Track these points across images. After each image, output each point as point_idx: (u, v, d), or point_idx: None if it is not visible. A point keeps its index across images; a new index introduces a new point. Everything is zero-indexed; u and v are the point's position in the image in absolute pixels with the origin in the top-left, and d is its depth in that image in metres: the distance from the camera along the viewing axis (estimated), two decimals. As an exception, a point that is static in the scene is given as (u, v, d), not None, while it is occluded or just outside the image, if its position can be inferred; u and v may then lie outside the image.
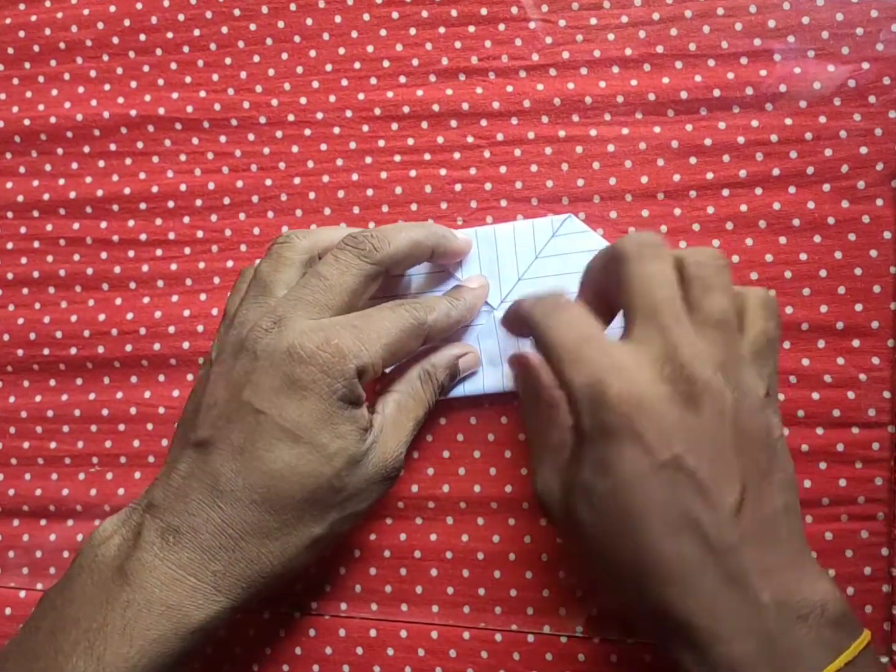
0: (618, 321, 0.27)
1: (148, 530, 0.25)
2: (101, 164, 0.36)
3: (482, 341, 0.32)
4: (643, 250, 0.25)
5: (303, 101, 0.35)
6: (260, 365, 0.26)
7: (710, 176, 0.32)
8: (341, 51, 0.35)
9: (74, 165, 0.36)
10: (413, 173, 0.34)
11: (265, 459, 0.25)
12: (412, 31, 0.34)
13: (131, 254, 0.35)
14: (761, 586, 0.22)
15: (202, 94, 0.35)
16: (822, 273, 0.31)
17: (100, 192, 0.36)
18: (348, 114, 0.34)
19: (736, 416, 0.23)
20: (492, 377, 0.32)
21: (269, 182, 0.35)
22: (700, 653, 0.22)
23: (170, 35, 0.36)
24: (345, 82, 0.35)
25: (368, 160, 0.34)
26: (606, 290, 0.27)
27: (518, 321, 0.27)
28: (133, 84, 0.36)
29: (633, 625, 0.31)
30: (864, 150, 0.31)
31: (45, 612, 0.26)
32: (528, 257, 0.32)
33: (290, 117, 0.35)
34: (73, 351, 0.36)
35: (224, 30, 0.35)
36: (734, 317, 0.25)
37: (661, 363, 0.23)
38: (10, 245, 0.36)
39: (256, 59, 0.35)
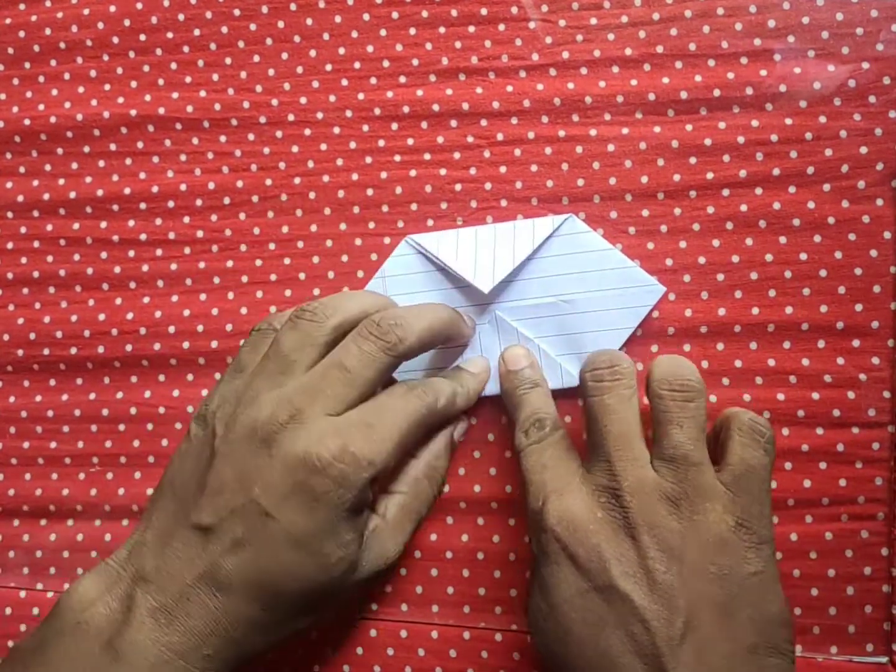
0: None
1: (139, 607, 0.24)
2: (102, 164, 0.36)
3: (483, 341, 0.32)
4: (599, 382, 0.26)
5: (303, 100, 0.35)
6: (273, 464, 0.25)
7: (710, 176, 0.32)
8: (341, 51, 0.35)
9: (74, 165, 0.36)
10: (413, 173, 0.34)
11: (267, 562, 0.25)
12: (412, 30, 0.34)
13: (131, 254, 0.35)
14: None
15: (202, 93, 0.35)
16: (822, 273, 0.31)
17: (100, 192, 0.36)
18: (348, 114, 0.34)
19: (683, 549, 0.23)
20: (491, 381, 0.32)
21: (269, 182, 0.35)
22: None
23: (170, 35, 0.36)
24: (345, 82, 0.35)
25: (368, 160, 0.34)
26: None
27: (508, 410, 0.30)
28: (133, 84, 0.36)
29: None
30: (864, 150, 0.31)
31: (18, 667, 0.25)
32: (529, 257, 0.32)
33: (290, 117, 0.35)
34: (73, 351, 0.36)
35: (224, 30, 0.35)
36: (695, 451, 0.25)
37: (600, 491, 0.25)
38: (10, 245, 0.36)
39: (256, 58, 0.35)
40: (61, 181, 0.36)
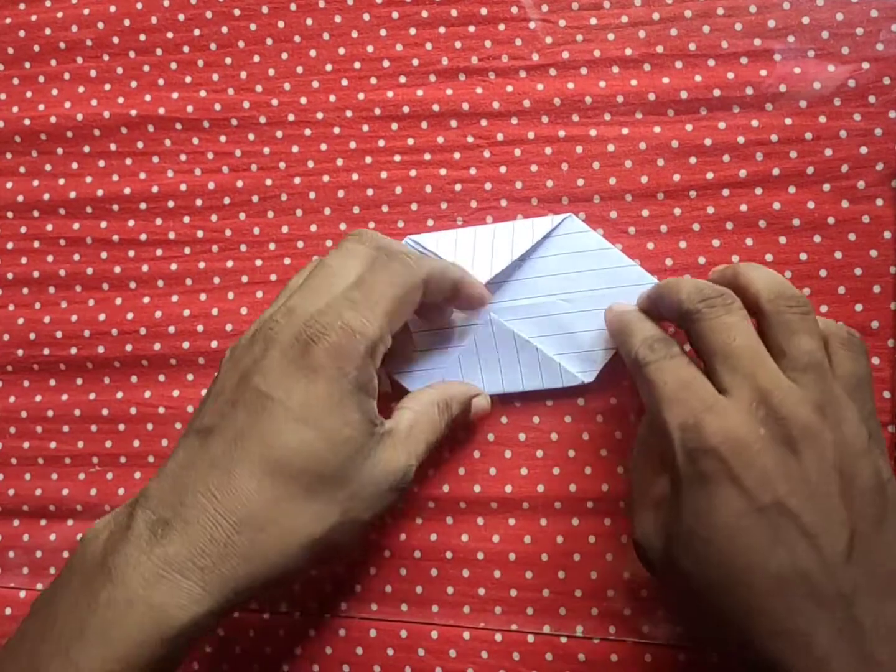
0: None
1: (137, 522, 0.24)
2: (102, 163, 0.36)
3: (480, 344, 0.32)
4: (711, 308, 0.25)
5: (303, 100, 0.35)
6: (269, 353, 0.25)
7: (710, 176, 0.32)
8: (341, 51, 0.35)
9: (74, 165, 0.36)
10: (413, 173, 0.34)
11: (268, 444, 0.24)
12: (412, 31, 0.34)
13: (131, 254, 0.35)
14: (878, 643, 0.21)
15: (202, 93, 0.35)
16: (822, 273, 0.31)
17: (100, 192, 0.36)
18: (348, 114, 0.34)
19: (840, 460, 0.22)
20: (491, 380, 0.32)
21: (269, 182, 0.35)
22: None
23: (170, 35, 0.36)
24: (345, 82, 0.35)
25: (368, 160, 0.34)
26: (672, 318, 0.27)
27: (621, 344, 0.28)
28: (133, 84, 0.36)
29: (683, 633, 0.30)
30: (864, 150, 0.31)
31: (32, 617, 0.24)
32: (528, 256, 0.32)
33: (290, 117, 0.35)
34: (73, 351, 0.36)
35: (224, 30, 0.35)
36: (824, 358, 0.24)
37: (755, 406, 0.23)
38: (10, 245, 0.36)
39: (256, 59, 0.35)
40: (61, 181, 0.36)
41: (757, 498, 0.22)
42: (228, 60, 0.35)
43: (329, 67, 0.35)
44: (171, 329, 0.35)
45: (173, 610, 0.22)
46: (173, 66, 0.36)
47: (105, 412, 0.35)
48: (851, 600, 0.21)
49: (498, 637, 0.32)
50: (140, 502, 0.24)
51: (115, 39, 0.36)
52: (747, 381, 0.24)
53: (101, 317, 0.35)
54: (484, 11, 0.34)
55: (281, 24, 0.35)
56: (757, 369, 0.24)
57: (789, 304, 0.25)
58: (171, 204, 0.35)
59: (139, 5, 0.36)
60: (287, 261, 0.34)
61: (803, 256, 0.31)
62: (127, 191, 0.36)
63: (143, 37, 0.36)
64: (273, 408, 0.24)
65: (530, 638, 0.31)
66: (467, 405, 0.31)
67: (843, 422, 0.23)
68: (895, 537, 0.22)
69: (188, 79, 0.36)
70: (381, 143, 0.34)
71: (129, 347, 0.35)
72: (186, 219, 0.35)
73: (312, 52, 0.35)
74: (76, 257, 0.36)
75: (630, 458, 0.29)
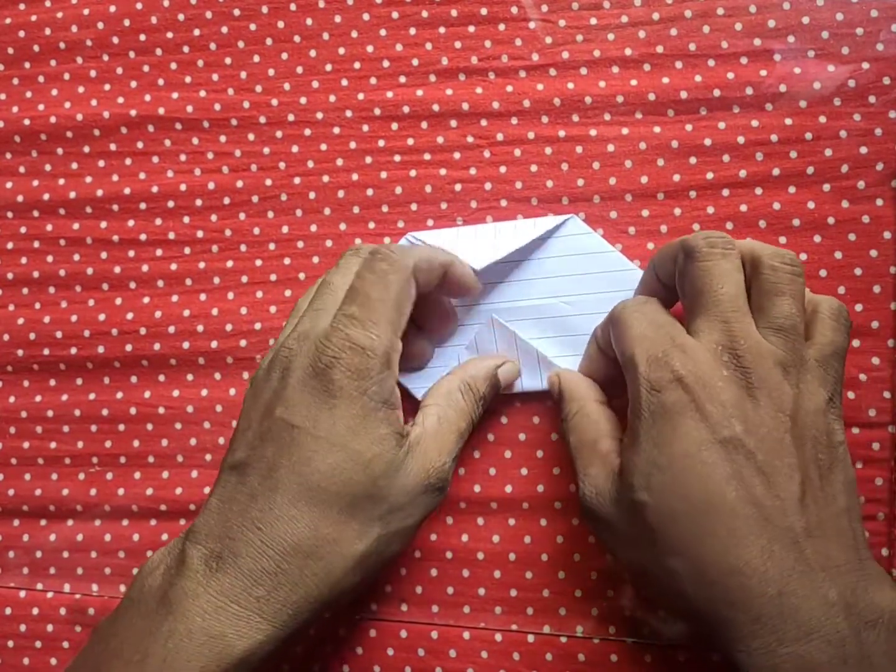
0: None
1: (191, 558, 0.25)
2: (101, 164, 0.36)
3: (480, 343, 0.32)
4: (712, 248, 0.26)
5: (303, 100, 0.35)
6: (288, 381, 0.25)
7: (710, 176, 0.32)
8: (341, 51, 0.35)
9: (74, 165, 0.36)
10: (413, 173, 0.34)
11: (301, 473, 0.25)
12: (412, 30, 0.34)
13: (131, 254, 0.35)
14: (828, 583, 0.22)
15: (202, 93, 0.35)
16: (822, 273, 0.31)
17: (100, 192, 0.36)
18: (348, 114, 0.34)
19: (795, 412, 0.24)
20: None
21: (269, 182, 0.35)
22: (764, 655, 0.21)
23: (170, 35, 0.36)
24: (345, 82, 0.35)
25: (368, 160, 0.34)
26: (670, 283, 0.28)
27: (606, 323, 0.29)
28: (133, 84, 0.36)
29: (684, 632, 0.30)
30: (864, 150, 0.31)
31: (93, 646, 0.25)
32: (529, 257, 0.32)
33: (290, 117, 0.35)
34: (73, 351, 0.36)
35: (224, 30, 0.35)
36: (801, 324, 0.25)
37: (721, 351, 0.24)
38: (10, 245, 0.36)
39: (256, 59, 0.35)
40: (61, 181, 0.36)
41: (718, 430, 0.23)
42: (228, 60, 0.35)
43: (329, 67, 0.35)
44: (171, 329, 0.35)
45: (233, 639, 0.23)
46: (173, 66, 0.36)
47: (105, 412, 0.35)
48: (802, 541, 0.22)
49: (498, 637, 0.32)
50: (190, 538, 0.25)
51: (115, 39, 0.36)
52: (720, 326, 0.25)
53: (101, 317, 0.35)
54: (484, 11, 0.34)
55: (281, 24, 0.35)
56: (732, 318, 0.25)
57: (784, 261, 0.25)
58: (171, 204, 0.35)
59: (139, 5, 0.36)
60: (287, 261, 0.34)
61: (803, 256, 0.31)
62: (127, 191, 0.36)
63: (142, 37, 0.36)
64: (300, 437, 0.25)
65: (530, 638, 0.31)
66: (494, 379, 0.30)
67: (802, 381, 0.24)
68: (841, 490, 0.24)
69: (188, 79, 0.36)
70: (381, 143, 0.34)
71: (129, 347, 0.35)
72: (186, 219, 0.35)
73: (312, 52, 0.35)
74: (76, 257, 0.36)
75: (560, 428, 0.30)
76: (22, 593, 0.35)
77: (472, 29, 0.34)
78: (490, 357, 0.31)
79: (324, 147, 0.34)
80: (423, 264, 0.27)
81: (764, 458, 0.23)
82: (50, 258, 0.36)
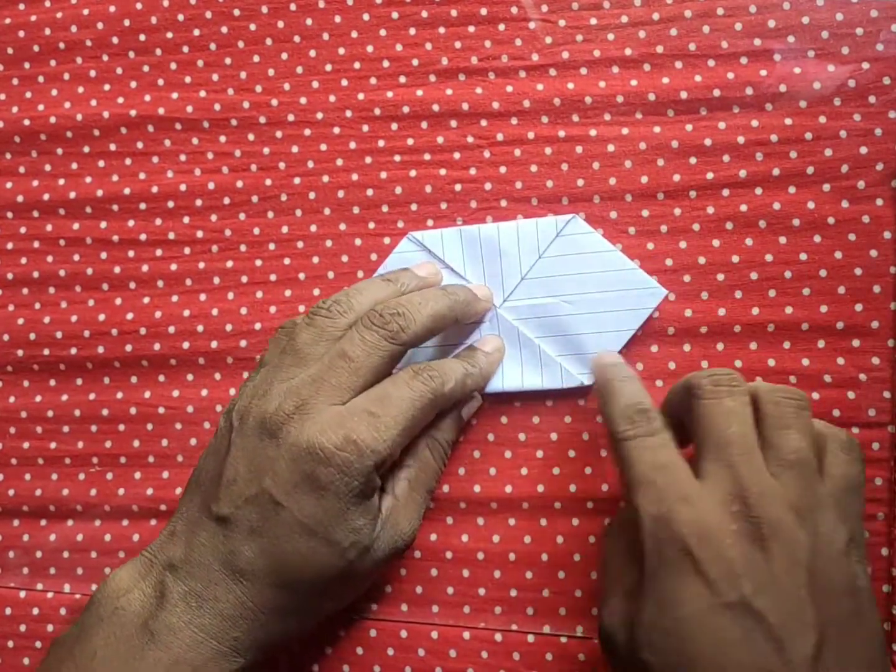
0: None
1: (171, 592, 0.26)
2: (101, 164, 0.36)
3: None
4: (718, 386, 0.25)
5: (303, 101, 0.35)
6: (281, 455, 0.26)
7: (710, 176, 0.32)
8: (341, 51, 0.35)
9: (74, 165, 0.36)
10: (413, 173, 0.34)
11: (282, 549, 0.26)
12: (412, 31, 0.34)
13: (131, 254, 0.35)
14: None
15: (202, 94, 0.35)
16: (822, 273, 0.31)
17: (100, 192, 0.36)
18: (348, 114, 0.34)
19: (812, 561, 0.22)
20: (492, 379, 0.32)
21: (269, 182, 0.35)
22: None
23: (170, 35, 0.36)
24: (345, 82, 0.34)
25: (368, 160, 0.34)
26: (682, 421, 0.27)
27: (601, 404, 0.27)
28: (133, 84, 0.36)
29: None
30: (864, 150, 0.31)
31: (61, 662, 0.26)
32: (532, 257, 0.32)
33: (290, 117, 0.35)
34: (73, 351, 0.36)
35: (224, 30, 0.35)
36: (812, 458, 0.24)
37: (730, 500, 0.23)
38: (10, 245, 0.36)
39: (256, 59, 0.35)
40: (61, 181, 0.36)
41: (723, 593, 0.22)
42: (228, 60, 0.35)
43: (329, 67, 0.35)
44: (171, 329, 0.35)
45: (213, 670, 0.25)
46: (173, 66, 0.36)
47: (105, 412, 0.35)
48: None
49: (498, 637, 0.32)
50: (169, 571, 0.26)
51: (115, 39, 0.36)
52: (729, 471, 0.23)
53: (101, 317, 0.35)
54: (484, 11, 0.34)
55: (281, 24, 0.35)
56: (741, 462, 0.23)
57: (786, 395, 0.25)
58: (170, 204, 0.35)
59: (139, 5, 0.36)
60: (287, 261, 0.34)
61: (803, 256, 0.31)
62: (127, 191, 0.36)
63: (142, 37, 0.36)
64: (285, 516, 0.26)
65: (530, 638, 0.31)
66: (460, 423, 0.31)
67: (820, 524, 0.23)
68: (866, 643, 0.22)
69: (188, 79, 0.36)
70: (381, 143, 0.34)
71: (129, 347, 0.35)
72: (186, 219, 0.35)
73: (312, 52, 0.35)
74: (76, 257, 0.36)
75: (602, 541, 0.28)
76: (22, 593, 0.35)
77: (472, 29, 0.34)
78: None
79: (324, 147, 0.34)
80: (457, 392, 0.29)
81: (776, 619, 0.21)
82: (50, 258, 0.36)
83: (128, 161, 0.36)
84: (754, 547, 0.22)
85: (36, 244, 0.36)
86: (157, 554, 0.27)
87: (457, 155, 0.34)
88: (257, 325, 0.34)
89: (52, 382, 0.36)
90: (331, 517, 0.25)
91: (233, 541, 0.26)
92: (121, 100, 0.36)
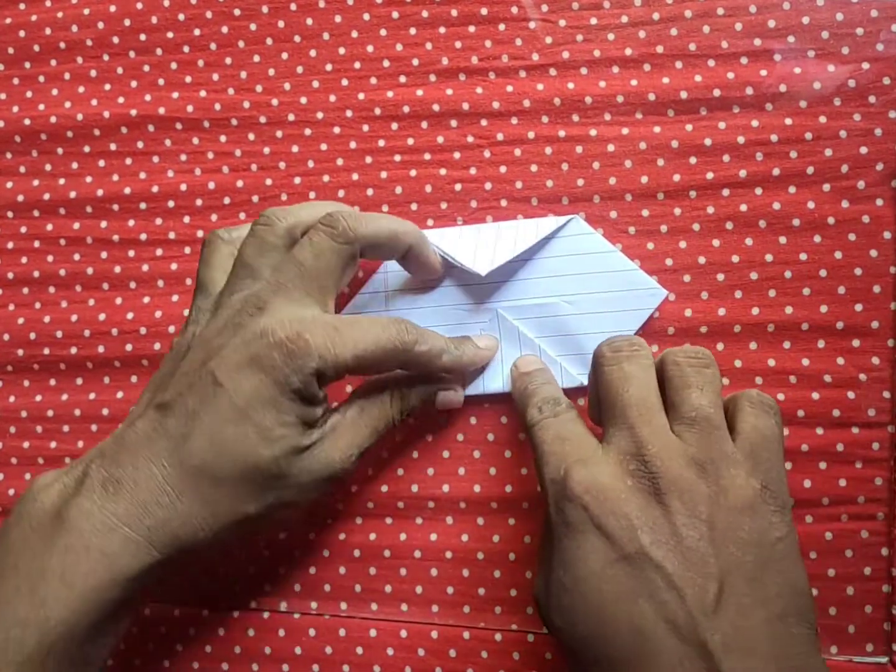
0: None
1: (91, 479, 0.25)
2: (102, 163, 0.36)
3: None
4: (618, 353, 0.26)
5: (303, 100, 0.35)
6: (233, 342, 0.26)
7: (710, 176, 0.32)
8: (341, 51, 0.35)
9: (74, 165, 0.36)
10: (413, 173, 0.34)
11: (212, 430, 0.26)
12: (412, 30, 0.34)
13: (131, 254, 0.35)
14: None
15: (202, 93, 0.35)
16: (822, 273, 0.31)
17: (100, 192, 0.36)
18: (348, 114, 0.34)
19: (713, 513, 0.22)
20: (492, 378, 0.32)
21: (269, 182, 0.35)
22: None
23: (170, 35, 0.36)
24: (345, 82, 0.35)
25: (368, 160, 0.34)
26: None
27: (520, 409, 0.29)
28: (133, 84, 0.36)
29: None
30: (864, 150, 0.31)
31: None
32: (532, 256, 0.32)
33: (291, 117, 0.35)
34: (73, 351, 0.36)
35: (224, 30, 0.35)
36: (715, 414, 0.24)
37: (628, 459, 0.24)
38: (10, 245, 0.36)
39: (256, 58, 0.35)
40: (61, 181, 0.36)
41: (622, 546, 0.22)
42: (228, 60, 0.35)
43: (329, 67, 0.35)
44: (171, 329, 0.35)
45: (125, 559, 0.25)
46: (173, 65, 0.36)
47: (105, 412, 0.35)
48: (718, 655, 0.21)
49: (498, 637, 0.32)
50: (95, 459, 0.26)
51: (115, 39, 0.36)
52: (629, 433, 0.24)
53: (101, 317, 0.35)
54: (484, 11, 0.34)
55: (281, 23, 0.35)
56: (640, 422, 0.24)
57: (687, 355, 0.25)
58: (171, 204, 0.35)
59: (139, 5, 0.36)
60: (287, 261, 0.34)
61: (803, 256, 0.31)
62: (127, 191, 0.36)
63: (143, 37, 0.36)
64: (221, 396, 0.26)
65: (530, 638, 0.31)
66: (430, 396, 0.31)
67: (724, 476, 0.23)
68: (774, 595, 0.22)
69: (188, 79, 0.36)
70: (381, 143, 0.34)
71: (129, 347, 0.35)
72: (186, 219, 0.35)
73: (312, 52, 0.35)
74: (76, 257, 0.36)
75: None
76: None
77: (472, 29, 0.34)
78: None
79: (324, 147, 0.34)
80: (426, 358, 0.28)
81: (674, 569, 0.22)
82: (50, 258, 0.36)
83: (128, 161, 0.36)
84: (651, 501, 0.23)
85: (36, 244, 0.36)
86: (91, 451, 0.27)
87: (457, 155, 0.34)
88: (257, 325, 0.34)
89: (53, 382, 0.36)
90: (264, 401, 0.25)
91: (168, 425, 0.26)
92: (121, 99, 0.36)
